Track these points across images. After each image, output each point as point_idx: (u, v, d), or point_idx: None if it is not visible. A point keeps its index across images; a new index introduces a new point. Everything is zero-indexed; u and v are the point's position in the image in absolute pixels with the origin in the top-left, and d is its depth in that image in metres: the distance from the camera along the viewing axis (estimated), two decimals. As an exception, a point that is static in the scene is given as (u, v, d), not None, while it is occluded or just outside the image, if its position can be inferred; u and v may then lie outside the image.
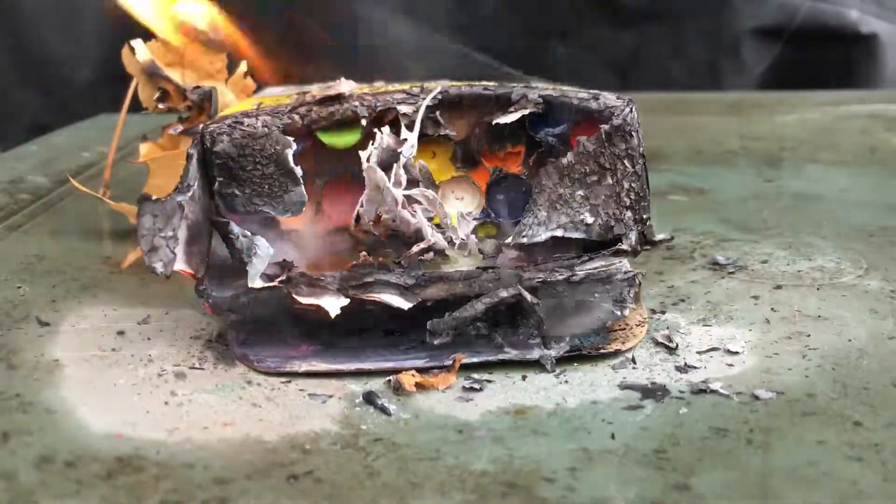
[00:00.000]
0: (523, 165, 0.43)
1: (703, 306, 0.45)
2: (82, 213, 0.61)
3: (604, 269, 0.40)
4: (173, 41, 0.52)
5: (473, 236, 0.41)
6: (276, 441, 0.33)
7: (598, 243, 0.41)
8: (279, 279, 0.39)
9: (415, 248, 0.39)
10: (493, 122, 0.42)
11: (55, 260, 0.52)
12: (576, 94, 0.42)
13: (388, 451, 0.33)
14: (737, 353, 0.40)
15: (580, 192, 0.40)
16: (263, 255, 0.38)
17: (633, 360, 0.39)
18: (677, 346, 0.40)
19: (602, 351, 0.40)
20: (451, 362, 0.38)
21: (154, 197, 0.37)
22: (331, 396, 0.37)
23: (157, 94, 0.52)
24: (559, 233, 0.40)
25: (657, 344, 0.41)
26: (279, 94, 0.46)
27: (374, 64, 1.09)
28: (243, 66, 0.56)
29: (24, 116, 1.16)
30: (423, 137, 0.41)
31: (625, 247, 0.40)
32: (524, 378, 0.38)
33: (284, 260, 0.39)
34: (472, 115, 0.43)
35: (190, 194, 0.38)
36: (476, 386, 0.37)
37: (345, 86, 0.41)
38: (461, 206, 0.43)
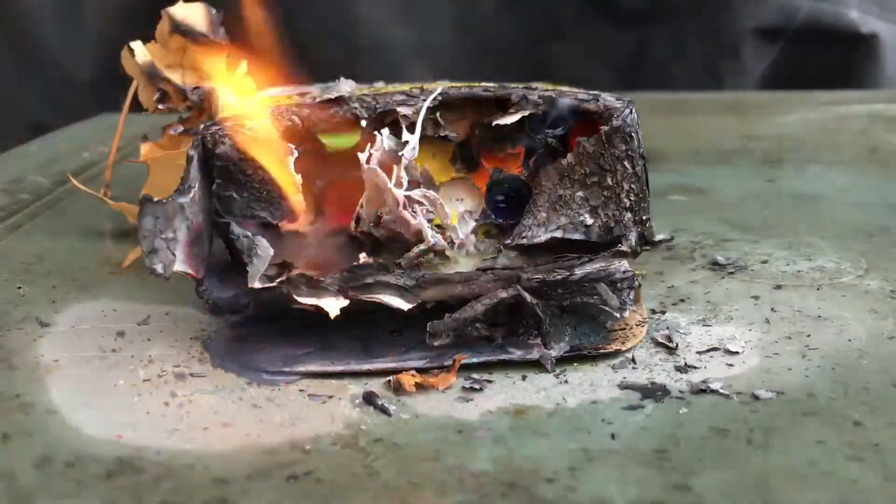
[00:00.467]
0: (523, 166, 0.43)
1: (703, 306, 0.45)
2: (82, 213, 0.61)
3: (603, 270, 0.40)
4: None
5: (473, 237, 0.42)
6: (276, 441, 0.33)
7: (598, 244, 0.41)
8: (279, 280, 0.39)
9: (415, 250, 0.39)
10: (493, 124, 0.42)
11: (55, 260, 0.52)
12: (575, 95, 0.42)
13: (388, 451, 0.33)
14: (737, 353, 0.40)
15: (580, 194, 0.40)
16: (264, 255, 0.38)
17: (633, 360, 0.39)
18: (677, 346, 0.40)
19: (602, 351, 0.40)
20: (451, 362, 0.38)
21: (155, 198, 0.37)
22: (331, 397, 0.37)
23: (156, 95, 0.52)
24: (559, 234, 0.40)
25: (657, 344, 0.41)
26: (279, 95, 0.46)
27: (374, 64, 1.09)
28: (243, 67, 0.56)
29: (24, 116, 1.16)
30: (422, 138, 0.41)
31: (624, 248, 0.40)
32: (524, 378, 0.38)
33: (284, 261, 0.39)
34: (471, 117, 0.43)
35: (191, 196, 0.38)
36: (476, 386, 0.37)
37: (345, 87, 0.41)
38: (461, 207, 0.43)
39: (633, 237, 0.40)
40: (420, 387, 0.37)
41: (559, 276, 0.39)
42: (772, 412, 0.35)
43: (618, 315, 0.40)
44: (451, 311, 0.39)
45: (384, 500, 0.30)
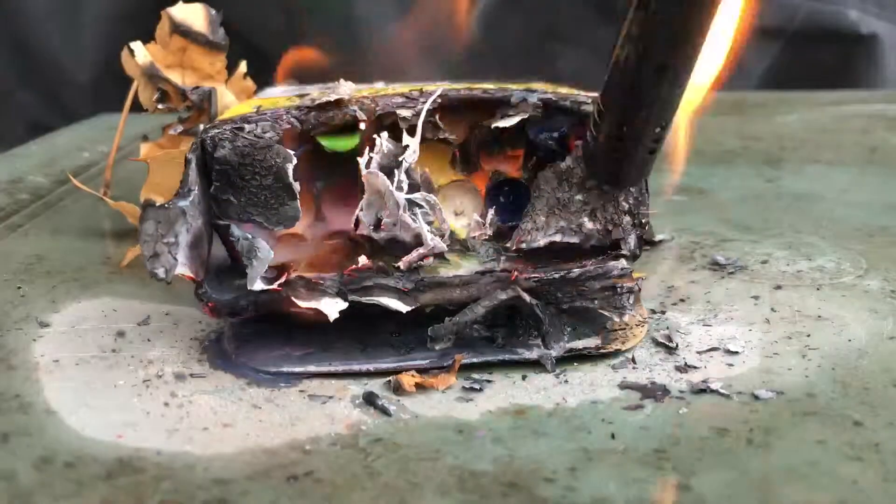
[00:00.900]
0: (522, 169, 0.43)
1: (703, 306, 0.45)
2: (82, 213, 0.61)
3: (602, 273, 0.40)
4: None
5: (473, 241, 0.41)
6: (275, 442, 0.33)
7: (597, 248, 0.41)
8: (278, 282, 0.38)
9: (414, 253, 0.39)
10: (493, 126, 0.42)
11: (55, 260, 0.52)
12: (575, 97, 0.42)
13: (388, 451, 0.33)
14: (737, 353, 0.40)
15: (579, 197, 0.40)
16: (264, 257, 0.38)
17: (633, 360, 0.39)
18: (677, 346, 0.40)
19: (602, 351, 0.40)
20: (450, 363, 0.38)
21: (157, 202, 0.37)
22: (331, 397, 0.37)
23: (156, 95, 0.52)
24: (558, 238, 0.40)
25: (657, 344, 0.41)
26: (278, 96, 0.46)
27: (374, 64, 1.09)
28: (243, 67, 0.56)
29: (24, 116, 1.16)
30: (421, 141, 0.41)
31: (624, 251, 0.40)
32: (524, 378, 0.38)
33: (284, 263, 0.39)
34: (471, 119, 0.43)
35: (191, 199, 0.38)
36: (476, 386, 0.37)
37: (344, 88, 0.41)
38: (460, 211, 0.43)
39: (632, 241, 0.40)
40: (420, 387, 0.37)
41: (556, 275, 0.39)
42: (772, 412, 0.35)
43: (617, 319, 0.40)
44: (451, 313, 0.39)
45: (384, 500, 0.30)
